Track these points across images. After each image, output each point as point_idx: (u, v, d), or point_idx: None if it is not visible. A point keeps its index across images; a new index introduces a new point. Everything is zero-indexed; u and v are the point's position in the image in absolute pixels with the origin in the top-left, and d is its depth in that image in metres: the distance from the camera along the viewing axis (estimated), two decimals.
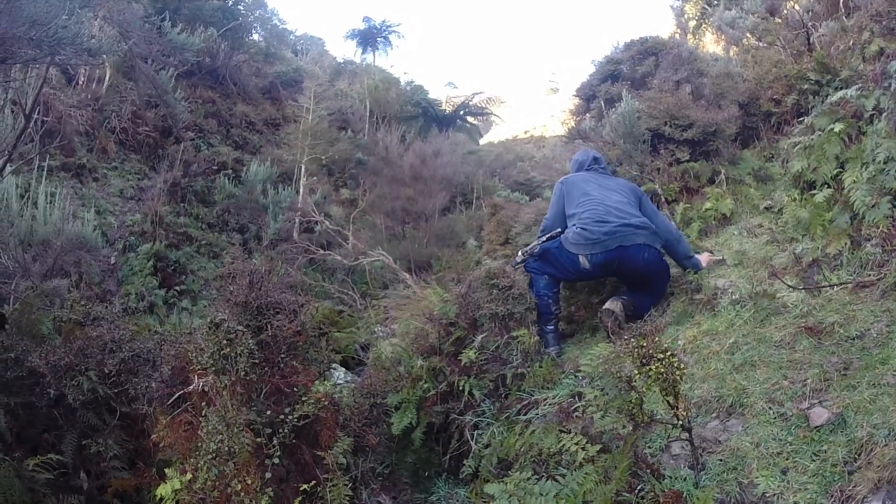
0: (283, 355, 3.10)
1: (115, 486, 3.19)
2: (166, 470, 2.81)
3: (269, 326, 3.17)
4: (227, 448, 2.53)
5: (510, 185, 11.28)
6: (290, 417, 2.81)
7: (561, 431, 2.59)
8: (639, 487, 2.41)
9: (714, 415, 2.90)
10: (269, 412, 2.80)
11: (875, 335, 2.90)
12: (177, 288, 7.96)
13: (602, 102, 7.33)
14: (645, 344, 2.31)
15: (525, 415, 3.55)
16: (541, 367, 3.79)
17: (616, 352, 3.54)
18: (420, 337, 4.67)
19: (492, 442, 3.58)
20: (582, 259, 4.02)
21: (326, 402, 2.91)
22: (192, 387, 2.94)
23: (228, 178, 9.97)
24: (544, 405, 3.51)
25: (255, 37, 15.01)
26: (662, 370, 2.25)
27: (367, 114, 13.10)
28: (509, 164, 12.24)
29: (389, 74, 16.61)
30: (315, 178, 10.58)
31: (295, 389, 2.92)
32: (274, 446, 2.72)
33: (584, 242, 4.01)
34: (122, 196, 8.83)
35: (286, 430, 2.79)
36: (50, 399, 3.31)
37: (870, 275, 3.34)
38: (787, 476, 2.42)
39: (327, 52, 18.91)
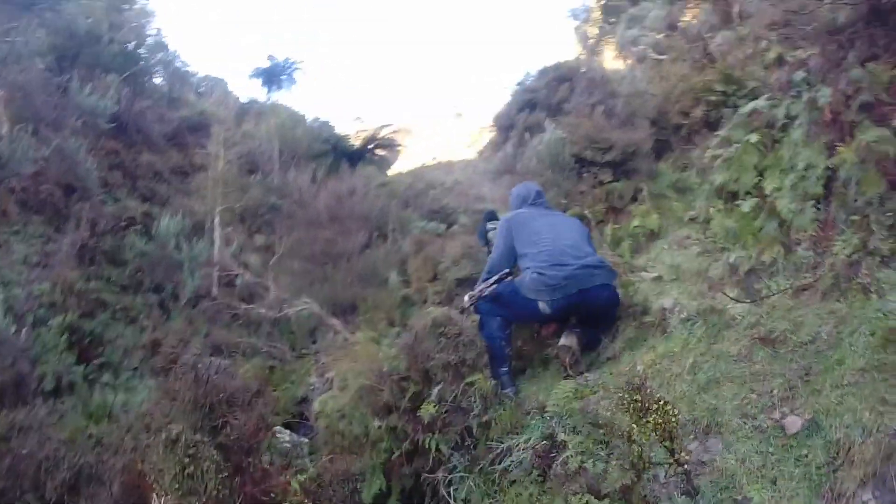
0: (249, 459, 2.86)
1: None
2: None
3: (226, 426, 2.94)
4: None
5: (425, 214, 11.22)
6: None
7: (569, 494, 2.52)
8: None
9: (692, 437, 2.94)
10: None
11: (826, 337, 3.01)
12: (95, 362, 7.34)
13: (522, 132, 7.45)
14: (639, 398, 2.30)
15: (500, 463, 3.48)
16: (504, 411, 3.71)
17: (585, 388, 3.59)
18: (370, 394, 4.52)
19: (471, 498, 3.50)
20: (542, 304, 3.97)
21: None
22: None
23: (139, 234, 9.30)
24: (518, 451, 3.44)
25: (158, 80, 14.28)
26: (660, 420, 2.25)
27: (277, 154, 12.75)
28: (421, 192, 12.20)
29: (295, 112, 16.27)
30: (230, 227, 10.16)
31: (273, 496, 2.68)
32: None
33: (543, 288, 3.95)
34: (27, 263, 8.07)
35: None
36: None
37: (806, 277, 3.50)
38: (777, 485, 2.51)
39: (231, 92, 18.31)
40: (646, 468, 2.44)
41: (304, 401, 7.07)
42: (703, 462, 2.79)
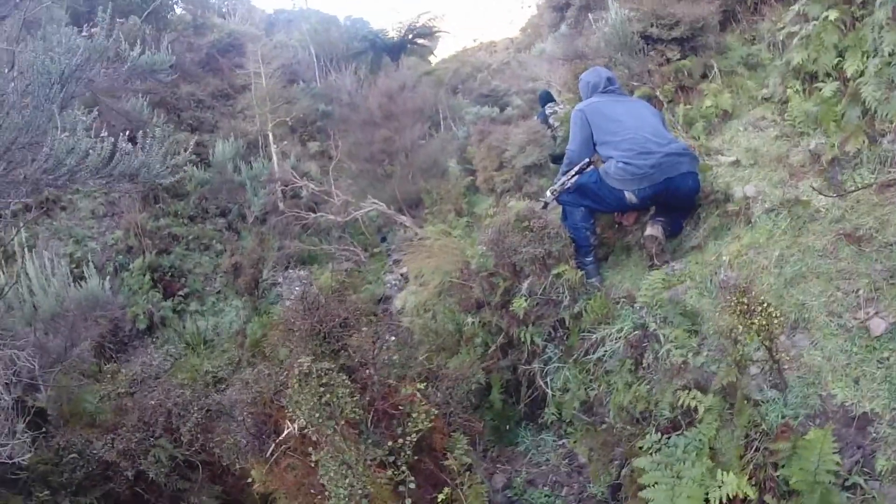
0: (373, 376, 3.08)
1: None
2: None
3: (345, 349, 3.12)
4: (359, 490, 2.58)
5: (475, 99, 11.09)
6: (408, 439, 2.82)
7: (677, 390, 2.74)
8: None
9: (780, 331, 3.08)
10: (387, 442, 2.82)
11: None
12: (180, 294, 7.89)
13: (579, 11, 7.13)
14: (745, 301, 2.44)
15: (593, 353, 3.71)
16: (594, 302, 3.86)
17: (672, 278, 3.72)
18: (458, 291, 4.75)
19: (568, 387, 3.77)
20: (628, 195, 3.98)
21: (436, 412, 2.94)
22: (286, 433, 2.93)
23: (195, 165, 9.64)
24: (610, 342, 3.65)
25: (178, 11, 14.05)
26: (764, 323, 2.40)
27: (315, 60, 12.58)
28: (468, 77, 11.97)
29: (326, 14, 15.83)
30: (284, 141, 10.31)
31: (401, 408, 2.94)
32: (403, 472, 2.76)
33: (629, 178, 3.95)
34: (95, 216, 8.51)
35: (407, 452, 2.81)
36: (129, 480, 3.28)
37: (891, 172, 3.47)
38: (859, 385, 2.69)
39: (255, 7, 17.87)
40: (745, 366, 2.62)
41: (384, 299, 7.36)
42: (791, 357, 2.95)
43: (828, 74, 4.16)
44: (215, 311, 7.85)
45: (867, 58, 3.81)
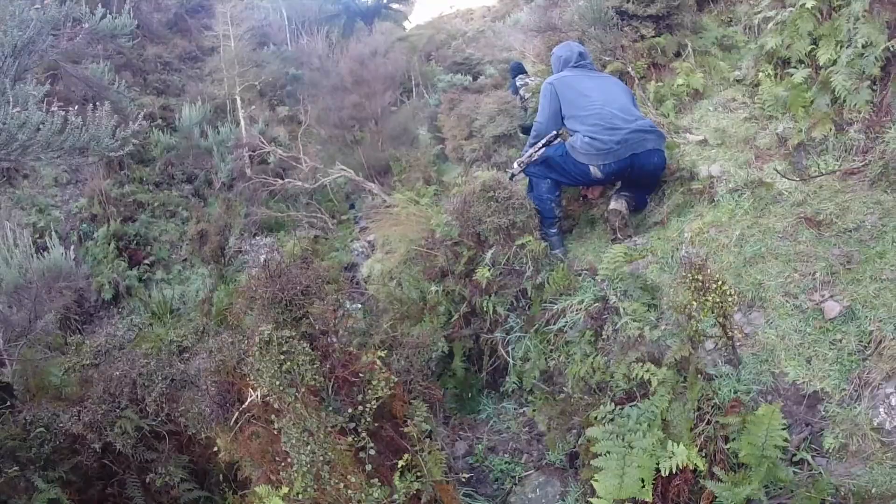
0: (333, 343, 3.10)
1: None
2: (257, 489, 2.82)
3: (306, 316, 3.11)
4: (320, 456, 2.61)
5: (448, 67, 10.99)
6: (368, 406, 2.85)
7: (632, 362, 2.80)
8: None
9: (736, 308, 3.13)
10: (348, 409, 2.84)
11: (870, 227, 3.16)
12: (146, 262, 7.80)
13: None
14: (700, 277, 2.49)
15: (554, 324, 3.76)
16: (556, 273, 3.92)
17: (634, 252, 3.77)
18: (423, 259, 4.76)
19: (529, 356, 3.82)
20: (593, 169, 4.03)
21: (396, 380, 2.97)
22: (248, 401, 2.94)
23: (161, 130, 9.42)
24: (571, 313, 3.71)
25: None
26: (718, 300, 2.46)
27: (286, 23, 12.31)
28: (442, 44, 11.83)
29: None
30: (252, 106, 10.12)
31: (361, 375, 2.95)
32: (363, 438, 2.79)
33: (595, 153, 4.00)
34: (58, 184, 8.35)
35: (367, 418, 2.84)
36: (96, 453, 3.27)
37: (855, 161, 3.56)
38: (811, 365, 2.77)
39: None
40: (700, 341, 2.68)
41: (351, 266, 7.34)
42: (746, 334, 3.05)
43: (800, 61, 4.21)
44: (181, 280, 7.76)
45: (840, 48, 3.87)
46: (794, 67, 4.19)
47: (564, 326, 3.70)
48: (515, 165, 4.42)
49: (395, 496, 2.76)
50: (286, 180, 8.46)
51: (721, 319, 2.60)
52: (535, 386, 3.79)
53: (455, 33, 12.68)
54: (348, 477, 2.64)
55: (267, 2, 12.93)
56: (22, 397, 3.52)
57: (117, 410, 3.27)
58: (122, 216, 8.03)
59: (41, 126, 3.28)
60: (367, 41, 10.30)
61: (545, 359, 3.76)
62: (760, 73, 4.41)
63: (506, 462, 3.69)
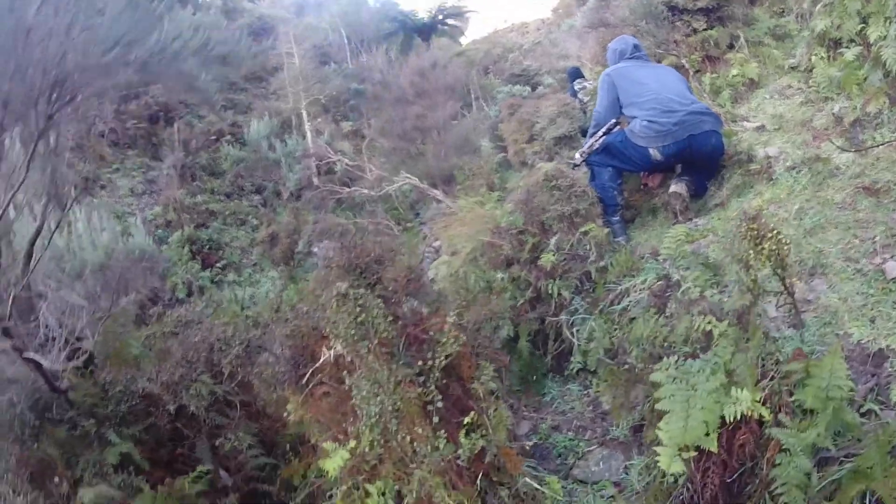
0: (404, 305, 3.27)
1: (286, 475, 3.38)
2: (324, 445, 2.94)
3: (380, 280, 3.29)
4: (389, 407, 2.75)
5: (506, 79, 11.18)
6: (436, 361, 2.95)
7: (694, 316, 2.90)
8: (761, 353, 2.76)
9: (797, 277, 3.22)
10: (418, 363, 2.96)
11: None
12: (218, 265, 8.18)
13: None
14: (755, 226, 2.58)
15: (618, 304, 3.87)
16: (619, 256, 4.06)
17: (695, 233, 3.85)
18: (488, 250, 4.92)
19: (593, 336, 3.93)
20: (653, 151, 4.16)
21: (463, 338, 3.12)
22: (322, 360, 3.07)
23: (231, 144, 9.96)
24: (635, 292, 3.81)
25: None
26: (774, 247, 2.54)
27: (345, 41, 12.82)
28: (499, 57, 12.06)
29: None
30: (318, 119, 10.56)
31: (431, 334, 3.12)
32: (432, 391, 2.90)
33: (653, 135, 4.13)
34: (134, 194, 8.93)
35: (436, 374, 2.94)
36: (170, 415, 3.41)
37: None
38: (875, 324, 2.82)
39: None
40: (760, 294, 2.75)
41: (425, 284, 7.52)
42: (808, 300, 3.11)
43: (851, 40, 4.26)
44: (252, 282, 8.11)
45: (890, 23, 3.91)
46: (846, 47, 4.24)
47: (628, 305, 3.79)
48: (577, 156, 4.58)
49: (460, 451, 2.87)
50: (352, 188, 8.77)
51: (779, 270, 2.66)
52: (600, 363, 3.89)
53: (511, 46, 12.91)
54: (415, 429, 2.76)
55: (326, 23, 13.45)
56: (102, 365, 3.67)
57: (193, 374, 3.42)
58: (195, 223, 8.49)
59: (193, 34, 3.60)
60: (426, 55, 10.63)
61: (609, 337, 3.85)
62: (813, 57, 4.46)
63: (569, 439, 3.78)
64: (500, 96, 10.32)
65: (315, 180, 9.44)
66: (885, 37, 3.90)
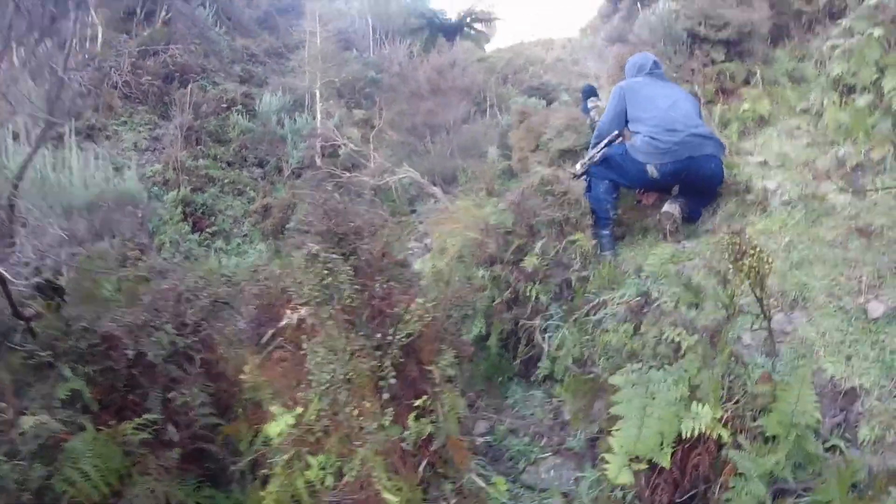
0: (377, 278, 3.21)
1: (226, 432, 3.26)
2: (272, 408, 2.84)
3: (355, 252, 3.20)
4: (341, 376, 2.66)
5: (524, 90, 11.14)
6: (397, 337, 2.89)
7: (664, 326, 2.83)
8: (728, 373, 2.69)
9: (778, 308, 3.17)
10: (376, 335, 2.89)
11: None
12: (208, 230, 8.10)
13: (634, 2, 7.20)
14: (738, 241, 2.52)
15: (594, 315, 3.80)
16: (603, 269, 4.00)
17: (682, 254, 3.79)
18: (474, 247, 4.86)
19: (564, 343, 3.86)
20: (650, 168, 4.10)
21: (429, 318, 3.04)
22: (283, 322, 2.98)
23: (241, 114, 9.88)
24: (612, 305, 3.75)
25: None
26: (755, 265, 2.48)
27: (371, 31, 12.80)
28: (520, 69, 12.02)
29: None
30: (330, 101, 10.50)
31: (396, 310, 3.04)
32: (387, 367, 2.82)
33: (653, 151, 4.08)
34: (137, 149, 8.85)
35: (394, 350, 2.88)
36: (128, 360, 3.29)
37: None
38: (850, 362, 2.75)
39: None
40: (736, 313, 2.69)
41: (405, 264, 7.46)
42: (785, 332, 3.04)
43: (865, 88, 4.23)
44: (239, 252, 8.02)
45: None
46: (859, 94, 4.22)
47: (604, 318, 3.73)
48: (578, 166, 4.53)
49: (407, 434, 2.79)
50: (353, 174, 8.71)
51: (757, 290, 2.59)
52: (568, 371, 3.81)
53: (534, 60, 12.87)
54: (364, 403, 2.68)
55: (354, 10, 13.44)
56: (72, 302, 3.58)
57: (157, 322, 3.33)
58: (193, 185, 8.39)
59: None
60: (447, 53, 10.61)
61: (580, 347, 3.79)
62: (825, 100, 4.44)
63: (524, 444, 3.70)
64: (515, 107, 10.28)
65: (318, 160, 9.37)
66: None
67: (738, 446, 2.39)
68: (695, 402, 2.44)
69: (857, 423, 2.52)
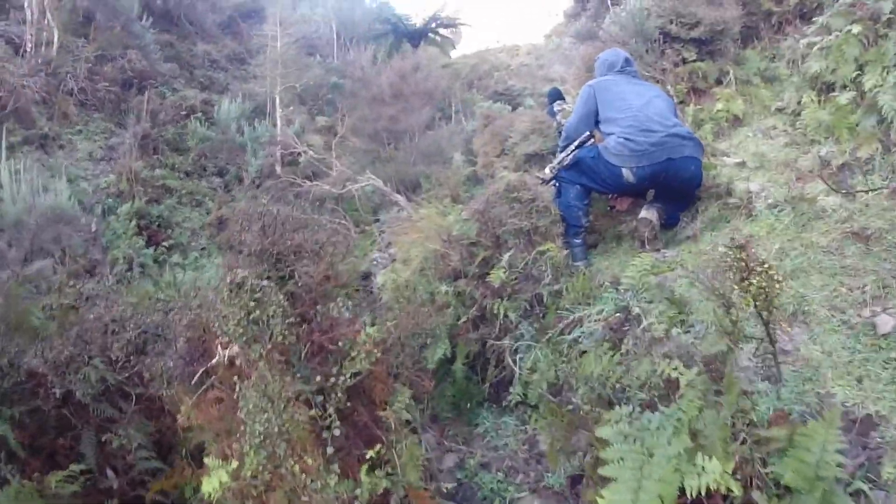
0: (317, 307, 2.80)
1: (157, 488, 2.98)
2: (206, 459, 2.50)
3: (293, 275, 2.85)
4: (276, 428, 2.29)
5: (489, 95, 10.93)
6: (341, 379, 2.52)
7: (657, 359, 2.46)
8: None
9: (775, 325, 2.84)
10: (317, 377, 2.52)
11: None
12: (164, 244, 7.67)
13: (603, 1, 6.97)
14: (743, 257, 2.17)
15: (569, 334, 3.46)
16: (576, 281, 3.66)
17: (662, 264, 3.47)
18: (437, 259, 4.51)
19: (537, 367, 3.51)
20: (626, 172, 3.77)
21: (378, 354, 2.67)
22: (215, 360, 2.62)
23: (199, 122, 9.48)
24: (589, 322, 3.42)
25: None
26: (763, 285, 2.13)
27: (335, 37, 12.49)
28: (485, 74, 11.80)
29: None
30: (291, 108, 10.13)
31: (340, 345, 2.64)
32: (330, 415, 2.46)
33: (628, 154, 3.75)
34: (92, 159, 8.38)
35: (339, 394, 2.51)
36: (57, 399, 3.02)
37: None
38: (862, 385, 2.43)
39: None
40: (739, 339, 2.34)
41: (368, 276, 7.17)
42: (786, 351, 2.72)
43: (845, 86, 4.06)
44: (196, 266, 7.62)
45: (887, 72, 3.76)
46: (839, 92, 4.05)
47: (580, 337, 3.39)
48: (547, 170, 4.15)
49: (359, 491, 2.42)
50: (314, 183, 8.34)
51: (764, 312, 2.24)
52: (542, 398, 3.46)
53: (499, 65, 12.66)
54: (305, 458, 2.30)
55: (319, 16, 13.15)
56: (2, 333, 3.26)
57: (85, 356, 3.00)
58: (148, 197, 7.96)
59: None
60: (410, 58, 10.31)
61: (555, 370, 3.43)
62: (804, 98, 4.27)
63: (498, 481, 3.35)
64: (480, 111, 10.07)
65: (278, 168, 8.99)
66: (881, 84, 3.74)
67: (751, 502, 2.02)
68: (700, 455, 2.05)
69: (879, 459, 2.18)
